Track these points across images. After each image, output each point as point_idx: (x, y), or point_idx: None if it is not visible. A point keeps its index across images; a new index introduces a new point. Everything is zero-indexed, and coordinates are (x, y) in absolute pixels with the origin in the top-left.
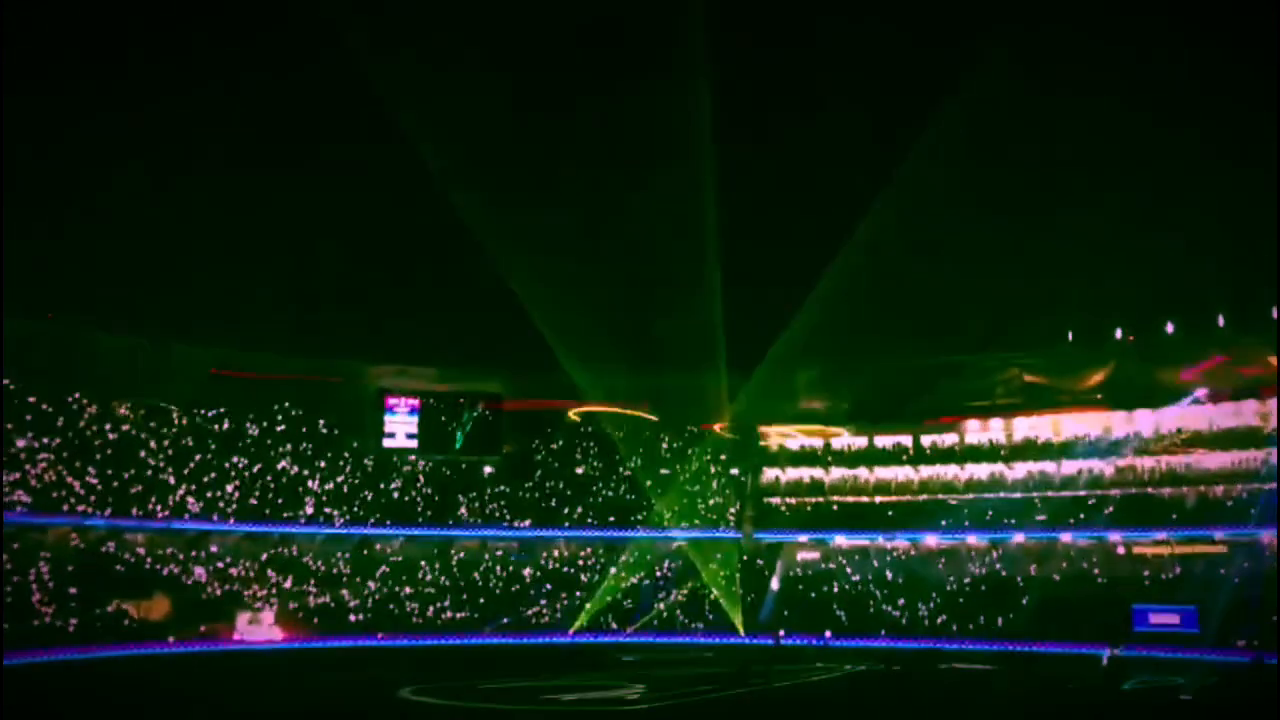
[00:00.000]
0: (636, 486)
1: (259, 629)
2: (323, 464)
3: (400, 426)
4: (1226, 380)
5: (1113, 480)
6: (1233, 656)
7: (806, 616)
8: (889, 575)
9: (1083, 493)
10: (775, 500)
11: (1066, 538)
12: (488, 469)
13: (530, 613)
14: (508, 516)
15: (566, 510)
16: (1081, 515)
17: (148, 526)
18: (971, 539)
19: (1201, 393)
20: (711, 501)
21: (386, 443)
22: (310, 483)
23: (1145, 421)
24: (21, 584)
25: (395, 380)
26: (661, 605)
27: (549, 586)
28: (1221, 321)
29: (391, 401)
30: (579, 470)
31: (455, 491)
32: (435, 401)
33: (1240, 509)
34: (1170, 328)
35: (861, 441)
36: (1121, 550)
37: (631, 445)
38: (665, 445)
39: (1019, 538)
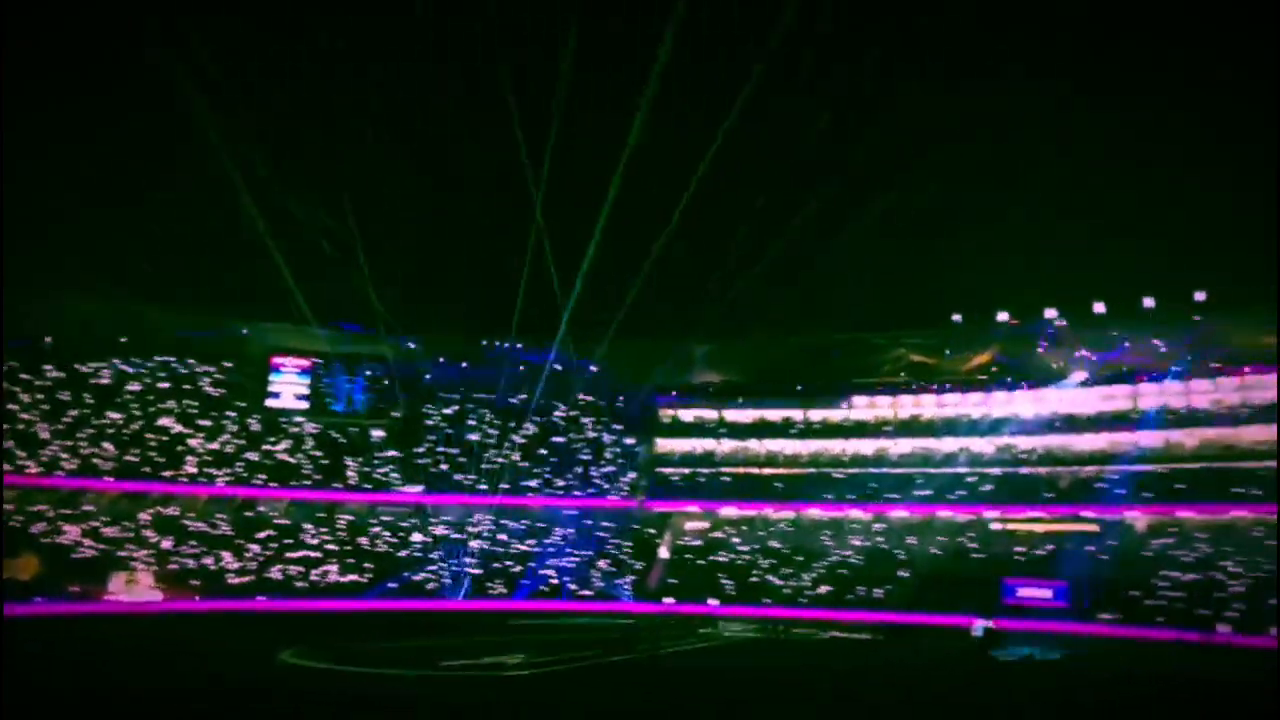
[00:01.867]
0: (531, 454)
1: (136, 590)
2: (206, 423)
3: (288, 387)
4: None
5: (991, 458)
6: (1100, 630)
7: (694, 585)
8: (775, 545)
9: (962, 470)
10: (668, 470)
11: (945, 512)
12: (378, 433)
13: (420, 578)
14: (398, 481)
15: (459, 476)
16: (961, 491)
17: (17, 483)
18: (855, 512)
19: (1078, 376)
20: (605, 470)
21: (272, 403)
22: (192, 441)
23: (1024, 403)
24: None
25: (285, 340)
26: (552, 572)
27: (440, 552)
28: (1101, 308)
29: (279, 361)
30: (473, 437)
31: (344, 455)
32: (327, 363)
33: (1110, 489)
34: (1052, 313)
35: (753, 415)
36: (997, 526)
37: (525, 413)
38: (560, 414)
39: (900, 511)
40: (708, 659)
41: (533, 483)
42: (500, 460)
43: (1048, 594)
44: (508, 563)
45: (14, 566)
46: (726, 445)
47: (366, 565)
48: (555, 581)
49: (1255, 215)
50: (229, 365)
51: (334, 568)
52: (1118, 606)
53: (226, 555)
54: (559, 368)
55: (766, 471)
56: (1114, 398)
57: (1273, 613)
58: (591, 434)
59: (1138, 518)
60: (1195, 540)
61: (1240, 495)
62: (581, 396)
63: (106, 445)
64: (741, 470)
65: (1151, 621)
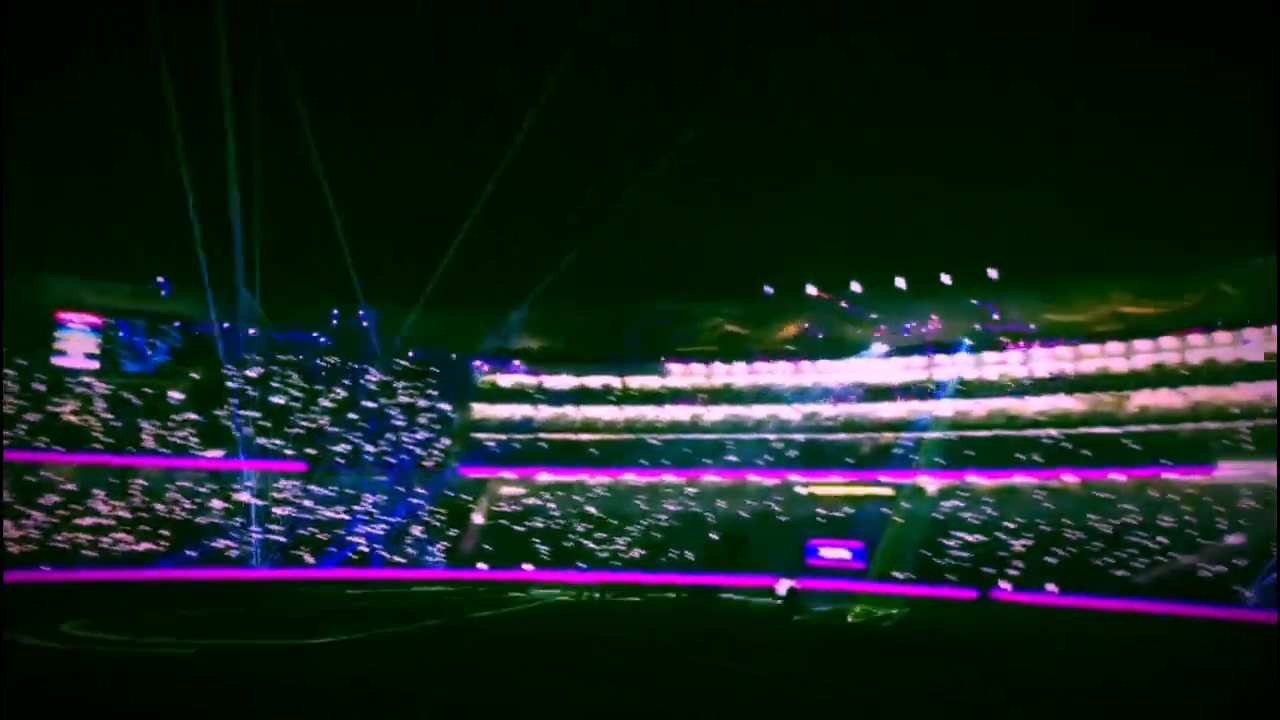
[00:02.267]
0: (340, 419)
1: None
2: None
3: (76, 345)
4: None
5: (798, 425)
6: (896, 590)
7: (509, 551)
8: (591, 511)
9: (771, 436)
10: (484, 436)
11: (754, 477)
12: (176, 395)
13: (220, 545)
14: (197, 446)
15: (263, 441)
16: (768, 457)
17: None
18: (669, 476)
19: (879, 348)
20: (419, 437)
21: (58, 361)
22: None
23: (829, 372)
24: None
25: (74, 295)
26: (362, 539)
27: (242, 519)
28: (902, 283)
29: (66, 317)
30: (277, 400)
31: (139, 417)
32: (120, 320)
33: (906, 454)
34: (857, 286)
35: (572, 381)
36: (802, 490)
37: (335, 375)
38: (372, 377)
39: (712, 476)
40: (512, 625)
41: (342, 448)
42: (308, 425)
43: (846, 554)
44: (315, 530)
45: None
46: (544, 412)
47: (163, 533)
48: (365, 549)
49: (1048, 194)
50: (11, 319)
51: (127, 535)
52: (911, 566)
53: (6, 524)
54: (370, 331)
55: (584, 437)
56: (911, 369)
57: (1050, 570)
58: (405, 399)
59: (930, 482)
60: (982, 503)
61: (1022, 461)
62: (396, 361)
63: None
64: (559, 436)
65: (942, 580)
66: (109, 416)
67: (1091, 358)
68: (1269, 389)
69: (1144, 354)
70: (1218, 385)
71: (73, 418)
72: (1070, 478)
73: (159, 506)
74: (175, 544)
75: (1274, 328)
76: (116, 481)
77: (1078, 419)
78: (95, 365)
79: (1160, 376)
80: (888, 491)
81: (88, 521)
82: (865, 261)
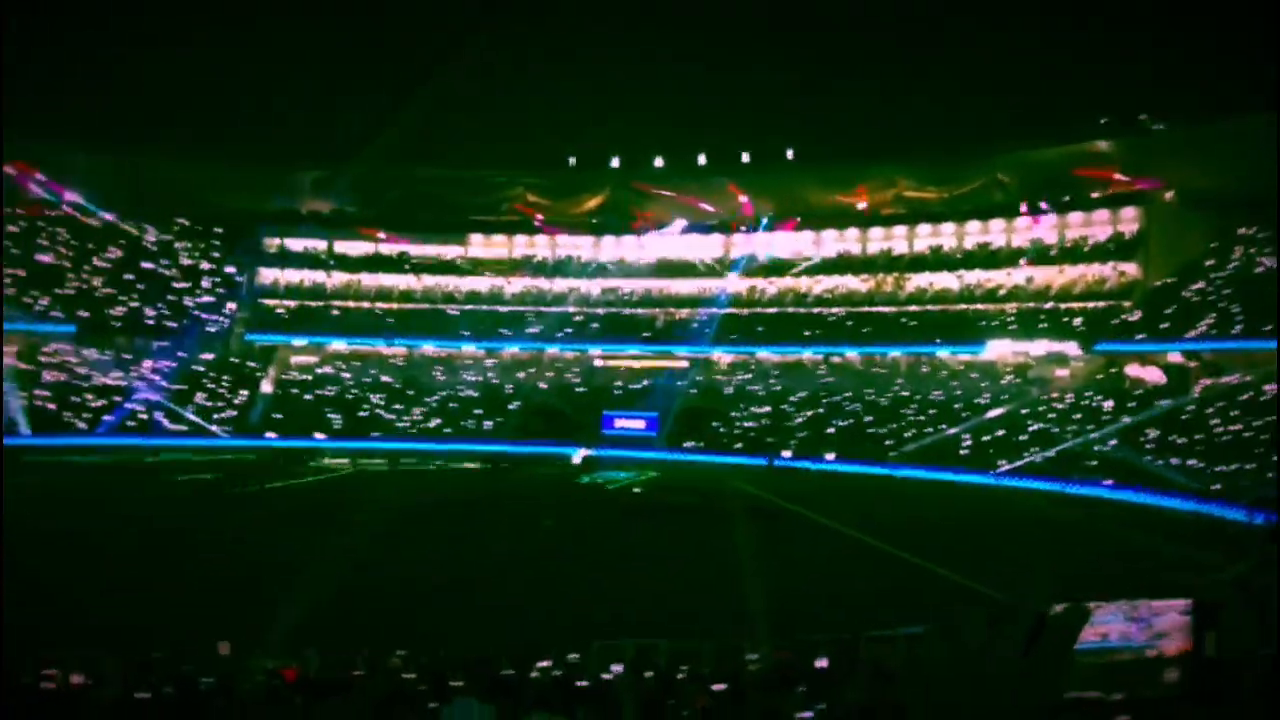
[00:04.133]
0: (116, 280)
1: None
2: None
3: None
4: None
5: (598, 299)
6: (680, 455)
7: (301, 420)
8: (387, 381)
9: (571, 309)
10: (273, 303)
11: (554, 349)
12: None
13: None
14: None
15: (29, 300)
16: (569, 330)
17: None
18: (469, 348)
19: (679, 224)
20: (202, 300)
21: None
22: None
23: (630, 247)
24: None
25: None
26: (141, 406)
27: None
28: (703, 160)
29: None
30: (44, 258)
31: None
32: None
33: (700, 330)
34: (659, 162)
35: (367, 248)
36: (600, 363)
37: (112, 234)
38: (151, 238)
39: (513, 348)
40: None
41: (118, 310)
42: (80, 285)
43: (641, 425)
44: (89, 396)
45: None
46: (337, 278)
47: None
48: (144, 416)
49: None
50: None
51: None
52: (701, 436)
53: None
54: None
55: (380, 306)
56: (708, 245)
57: (830, 440)
58: (187, 261)
59: (722, 355)
60: (770, 377)
61: (809, 337)
62: (178, 220)
63: None
64: (353, 304)
65: (730, 449)
66: None
67: (876, 240)
68: (1036, 273)
69: (924, 238)
70: (990, 269)
71: None
72: (852, 354)
73: None
74: None
75: (1049, 217)
76: None
77: (861, 298)
78: None
79: (938, 260)
80: (683, 365)
81: None
82: (669, 138)
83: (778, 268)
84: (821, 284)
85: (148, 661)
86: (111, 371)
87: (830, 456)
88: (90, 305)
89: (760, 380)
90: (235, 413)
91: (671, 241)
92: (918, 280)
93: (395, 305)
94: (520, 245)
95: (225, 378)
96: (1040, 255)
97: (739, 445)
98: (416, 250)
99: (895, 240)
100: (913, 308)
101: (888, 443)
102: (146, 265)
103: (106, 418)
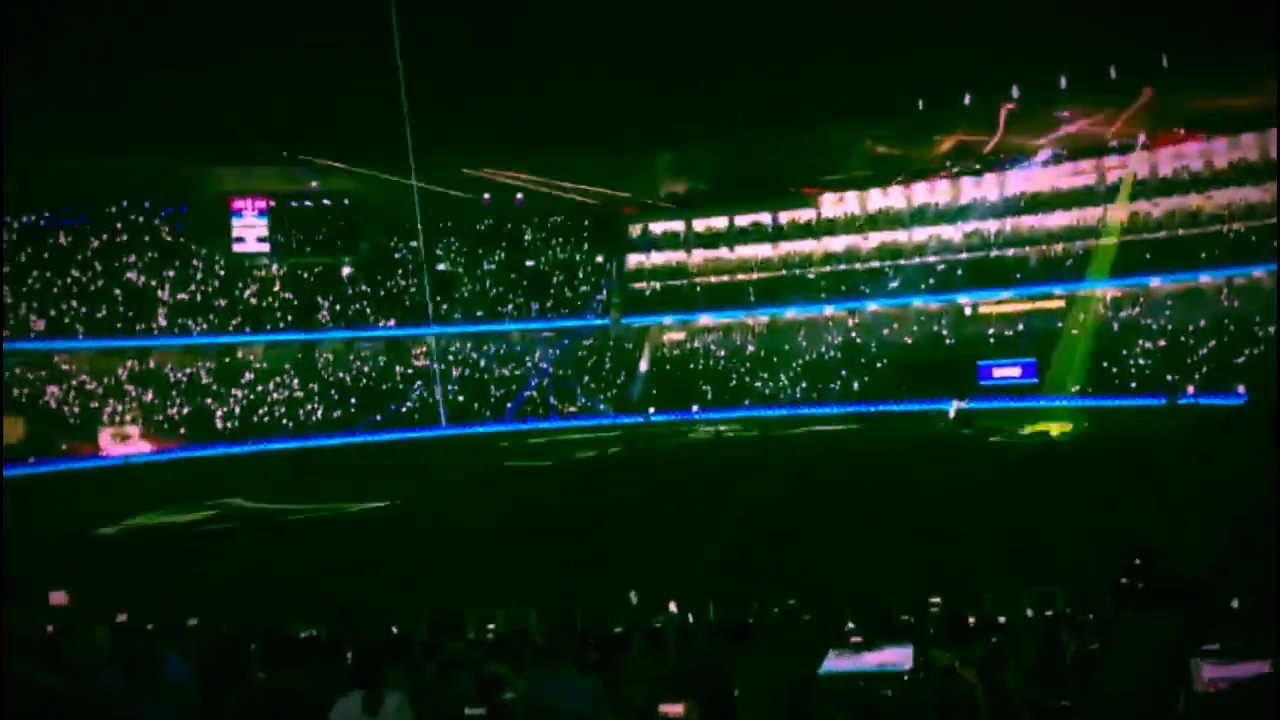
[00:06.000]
0: (504, 279)
1: (126, 443)
2: (171, 273)
3: (249, 230)
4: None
5: (960, 245)
6: (1073, 401)
7: (675, 394)
8: (751, 349)
9: (932, 259)
10: (640, 285)
11: (919, 302)
12: (346, 269)
13: (403, 409)
14: (371, 316)
15: (431, 307)
16: (931, 281)
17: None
18: (829, 310)
19: (1044, 155)
20: (579, 290)
21: (237, 248)
22: (160, 293)
23: (991, 186)
24: None
25: (237, 182)
26: (535, 393)
27: (419, 383)
28: (1064, 83)
29: (239, 204)
30: (441, 267)
31: (315, 294)
32: (285, 202)
33: (1078, 265)
34: (1015, 91)
35: (722, 222)
36: (969, 311)
37: (495, 238)
38: (530, 236)
39: (873, 306)
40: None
41: (508, 308)
42: (475, 288)
43: (1017, 372)
44: (490, 388)
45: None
46: (697, 255)
47: (351, 401)
48: (540, 401)
49: None
50: (189, 211)
51: (317, 406)
52: (1088, 378)
53: (209, 402)
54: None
55: (740, 278)
56: (1079, 174)
57: (1241, 371)
58: (561, 255)
59: (1104, 291)
60: (1164, 308)
61: (1205, 260)
62: (552, 218)
63: (74, 303)
64: (714, 279)
65: (1125, 390)
66: (288, 295)
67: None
68: None
69: None
70: None
71: (255, 300)
72: (1259, 272)
73: (344, 375)
74: (362, 410)
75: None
76: (301, 357)
77: (1264, 210)
78: (267, 248)
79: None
80: (1060, 305)
81: (281, 396)
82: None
83: (1166, 188)
84: (1214, 199)
85: None
86: (508, 365)
87: (1241, 390)
88: (485, 305)
89: (1152, 313)
90: (616, 391)
91: (1036, 175)
92: None
93: (755, 275)
94: (873, 199)
95: (606, 360)
96: None
97: (1133, 385)
98: (768, 218)
99: None
100: None
101: None
102: (529, 263)
103: (509, 406)
